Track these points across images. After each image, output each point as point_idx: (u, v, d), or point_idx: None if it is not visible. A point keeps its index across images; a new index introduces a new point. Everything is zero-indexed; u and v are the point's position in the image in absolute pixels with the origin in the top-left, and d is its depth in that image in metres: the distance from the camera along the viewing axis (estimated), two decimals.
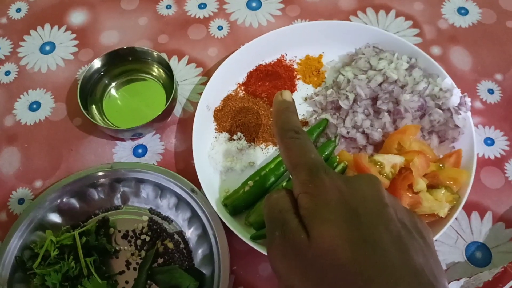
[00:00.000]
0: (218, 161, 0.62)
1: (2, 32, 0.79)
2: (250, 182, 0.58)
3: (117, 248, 0.58)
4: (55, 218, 0.59)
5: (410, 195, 0.53)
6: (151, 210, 0.61)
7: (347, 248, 0.28)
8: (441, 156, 0.60)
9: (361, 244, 0.28)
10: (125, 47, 0.69)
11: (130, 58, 0.70)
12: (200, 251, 0.57)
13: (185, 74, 0.73)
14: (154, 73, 0.71)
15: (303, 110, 0.67)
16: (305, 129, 0.65)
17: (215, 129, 0.66)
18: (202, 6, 0.80)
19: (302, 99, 0.68)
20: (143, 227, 0.60)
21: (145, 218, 0.60)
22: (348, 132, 0.62)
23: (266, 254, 0.52)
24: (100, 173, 0.60)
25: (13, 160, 0.66)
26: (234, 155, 0.63)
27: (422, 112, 0.61)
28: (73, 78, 0.74)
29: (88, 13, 0.81)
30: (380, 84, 0.63)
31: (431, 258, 0.31)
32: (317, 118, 0.65)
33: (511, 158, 0.64)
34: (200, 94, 0.65)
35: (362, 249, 0.28)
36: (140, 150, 0.66)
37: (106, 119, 0.68)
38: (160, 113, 0.62)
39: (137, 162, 0.65)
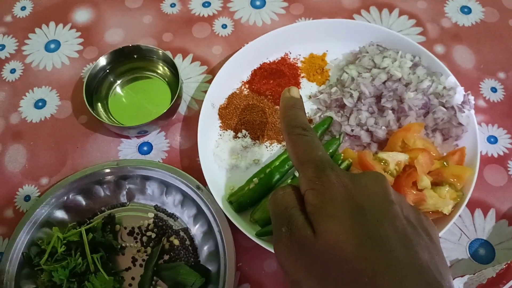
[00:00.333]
0: (223, 158, 0.63)
1: (7, 30, 0.80)
2: (255, 180, 0.59)
3: (123, 244, 0.59)
4: (61, 215, 0.59)
5: (414, 192, 0.53)
6: (156, 207, 0.61)
7: (352, 244, 0.28)
8: (444, 154, 0.60)
9: (367, 240, 0.29)
10: (130, 45, 0.69)
11: (135, 56, 0.70)
12: (205, 247, 0.57)
13: (189, 72, 0.73)
14: (159, 71, 0.71)
15: (307, 108, 0.67)
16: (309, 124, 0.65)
17: (220, 126, 0.66)
18: (206, 4, 0.80)
19: (306, 97, 0.69)
20: (148, 224, 0.60)
21: (151, 215, 0.61)
22: (352, 130, 0.62)
23: (271, 250, 0.53)
24: (106, 170, 0.60)
25: (19, 157, 0.67)
26: (239, 152, 0.63)
27: (426, 110, 0.61)
28: (78, 76, 0.74)
29: (93, 11, 0.81)
30: (384, 82, 0.63)
31: (437, 255, 0.31)
32: (322, 116, 0.65)
33: None
34: (205, 92, 0.66)
35: (368, 245, 0.28)
36: (145, 148, 0.67)
37: (111, 117, 0.68)
38: (165, 111, 0.63)
39: (142, 159, 0.65)
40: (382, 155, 0.56)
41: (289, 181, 0.59)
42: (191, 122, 0.68)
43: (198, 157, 0.60)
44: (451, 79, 0.63)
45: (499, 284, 0.51)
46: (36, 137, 0.68)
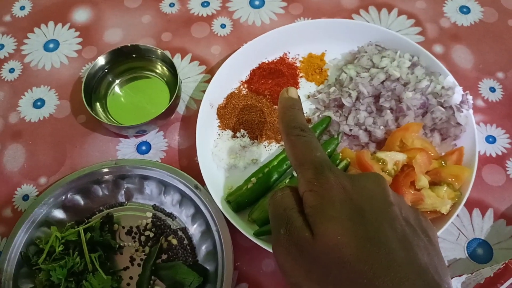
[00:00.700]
0: (222, 158, 0.63)
1: (6, 29, 0.80)
2: (253, 179, 0.59)
3: (121, 244, 0.59)
4: (59, 214, 0.59)
5: (412, 192, 0.53)
6: (155, 207, 0.61)
7: (351, 246, 0.28)
8: (443, 154, 0.60)
9: (366, 242, 0.28)
10: (129, 44, 0.69)
11: (134, 55, 0.70)
12: (203, 247, 0.57)
13: (188, 71, 0.73)
14: (157, 71, 0.71)
15: (306, 108, 0.67)
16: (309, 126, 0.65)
17: (219, 126, 0.66)
18: (205, 4, 0.80)
19: (305, 96, 0.69)
20: (147, 224, 0.60)
21: (149, 214, 0.61)
22: (350, 130, 0.62)
23: (269, 250, 0.53)
24: (104, 170, 0.60)
25: (18, 156, 0.67)
26: (238, 152, 0.63)
27: (424, 110, 0.61)
28: (77, 76, 0.74)
29: (92, 11, 0.81)
30: (382, 82, 0.63)
31: (436, 256, 0.31)
32: (320, 115, 0.65)
33: None
34: (203, 91, 0.66)
35: (367, 247, 0.28)
36: (143, 147, 0.67)
37: (110, 116, 0.68)
38: (163, 110, 0.63)
39: (141, 159, 0.65)
40: (380, 154, 0.56)
41: (287, 180, 0.59)
42: (189, 122, 0.68)
43: (197, 156, 0.60)
44: (450, 79, 0.63)
45: (497, 284, 0.51)
46: (35, 136, 0.69)
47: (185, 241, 0.59)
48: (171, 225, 0.60)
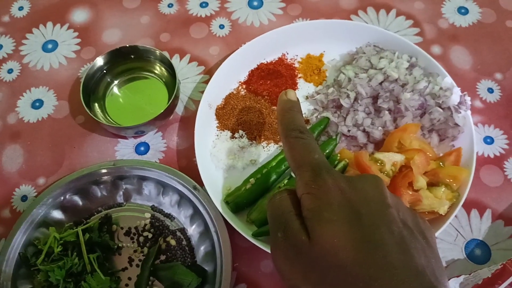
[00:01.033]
0: (220, 158, 0.63)
1: (4, 30, 0.80)
2: (252, 180, 0.59)
3: (120, 245, 0.59)
4: (58, 215, 0.59)
5: (410, 193, 0.53)
6: (153, 207, 0.61)
7: (348, 249, 0.28)
8: (441, 154, 0.61)
9: (363, 245, 0.28)
10: (127, 45, 0.69)
11: (132, 56, 0.70)
12: (202, 248, 0.57)
13: (187, 72, 0.73)
14: (156, 71, 0.71)
15: (304, 109, 0.68)
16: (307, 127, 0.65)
17: (217, 127, 0.66)
18: (203, 4, 0.80)
19: (303, 97, 0.69)
20: (145, 224, 0.60)
21: (148, 215, 0.61)
22: (349, 131, 0.62)
23: (267, 251, 0.53)
24: (103, 171, 0.60)
25: (16, 157, 0.67)
26: (236, 153, 0.63)
27: (423, 111, 0.61)
28: (75, 76, 0.74)
29: (90, 12, 0.81)
30: (380, 83, 0.63)
31: (433, 259, 0.31)
32: (318, 116, 0.65)
33: (511, 156, 0.64)
34: (202, 92, 0.66)
35: (364, 250, 0.28)
36: (142, 148, 0.67)
37: (108, 117, 0.68)
38: (162, 111, 0.63)
39: (139, 159, 0.65)
40: (379, 155, 0.56)
41: (285, 181, 0.59)
42: (188, 123, 0.68)
43: (195, 157, 0.60)
44: (448, 80, 0.63)
45: (495, 285, 0.51)
46: (33, 137, 0.69)
47: (184, 242, 0.59)
48: (170, 226, 0.60)
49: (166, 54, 0.71)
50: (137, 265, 0.58)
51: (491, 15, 0.77)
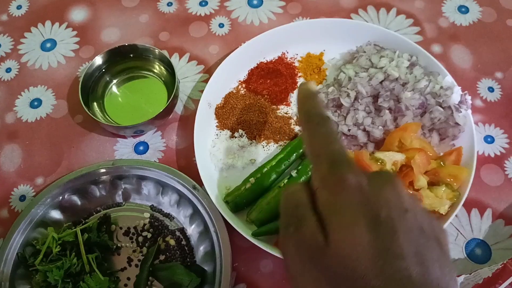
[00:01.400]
0: (220, 158, 0.63)
1: (2, 29, 0.79)
2: (252, 179, 0.59)
3: (118, 245, 0.59)
4: (56, 215, 0.59)
5: (411, 192, 0.53)
6: (152, 207, 0.61)
7: (367, 258, 0.27)
8: (441, 154, 0.60)
9: (382, 254, 0.27)
10: (126, 44, 0.69)
11: (131, 55, 0.70)
12: (201, 247, 0.57)
13: (186, 71, 0.73)
14: (155, 71, 0.71)
15: None
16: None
17: (217, 126, 0.66)
18: (203, 3, 0.80)
19: None
20: (144, 224, 0.60)
21: (147, 215, 0.60)
22: (349, 130, 0.62)
23: (267, 250, 0.53)
24: (102, 170, 0.60)
25: (15, 157, 0.67)
26: (236, 152, 0.63)
27: (423, 110, 0.61)
28: (74, 75, 0.74)
29: (89, 10, 0.80)
30: (381, 82, 0.63)
31: (447, 268, 0.30)
32: None
33: (511, 155, 0.64)
34: (201, 91, 0.65)
35: (383, 260, 0.27)
36: (141, 147, 0.67)
37: (107, 116, 0.68)
38: (161, 110, 0.63)
39: (138, 159, 0.65)
40: (379, 154, 0.56)
41: (285, 181, 0.58)
42: (187, 122, 0.68)
43: (195, 157, 0.60)
44: (448, 79, 0.63)
45: (495, 284, 0.51)
46: (32, 136, 0.68)
47: (183, 242, 0.58)
48: (169, 226, 0.60)
49: (165, 53, 0.71)
50: (136, 265, 0.57)
51: (492, 14, 0.77)
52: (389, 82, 0.62)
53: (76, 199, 0.60)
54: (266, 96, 0.68)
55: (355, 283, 0.27)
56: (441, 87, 0.62)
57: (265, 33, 0.69)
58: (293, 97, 0.68)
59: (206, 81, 0.67)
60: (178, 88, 0.66)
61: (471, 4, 0.78)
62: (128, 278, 0.57)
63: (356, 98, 0.63)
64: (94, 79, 0.69)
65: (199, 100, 0.64)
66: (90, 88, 0.68)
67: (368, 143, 0.62)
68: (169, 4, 0.80)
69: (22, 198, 0.63)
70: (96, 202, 0.61)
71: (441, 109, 0.60)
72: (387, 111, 0.61)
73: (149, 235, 0.59)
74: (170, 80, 0.69)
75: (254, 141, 0.65)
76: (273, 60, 0.71)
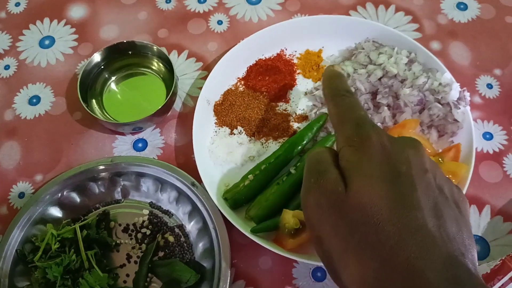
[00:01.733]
0: (218, 155, 0.63)
1: (1, 26, 0.79)
2: (250, 176, 0.59)
3: (117, 241, 0.59)
4: (55, 212, 0.59)
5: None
6: (151, 204, 0.61)
7: (384, 207, 0.28)
8: (440, 150, 0.60)
9: (398, 205, 0.28)
10: (125, 41, 0.69)
11: (130, 52, 0.70)
12: (200, 244, 0.57)
13: (185, 68, 0.73)
14: (154, 68, 0.71)
15: (303, 105, 0.67)
16: (305, 123, 0.65)
17: (215, 123, 0.66)
18: (201, 0, 0.80)
19: (302, 93, 0.68)
20: (143, 221, 0.60)
21: (146, 212, 0.60)
22: None
23: (266, 247, 0.53)
24: (101, 167, 0.60)
25: (13, 154, 0.67)
26: (235, 149, 0.63)
27: (422, 107, 0.61)
28: (72, 72, 0.74)
29: (88, 7, 0.80)
30: (379, 79, 0.63)
31: (464, 227, 0.31)
32: (317, 112, 0.65)
33: (510, 152, 0.64)
34: (200, 88, 0.65)
35: (399, 210, 0.28)
36: (140, 144, 0.67)
37: (106, 113, 0.68)
38: (160, 107, 0.63)
39: (137, 156, 0.65)
40: None
41: (284, 178, 0.58)
42: (186, 119, 0.68)
43: (193, 154, 0.60)
44: (447, 76, 0.63)
45: (494, 280, 0.51)
46: (30, 133, 0.68)
47: (182, 239, 0.59)
48: (168, 223, 0.60)
49: (164, 50, 0.71)
50: (135, 262, 0.58)
51: (490, 10, 0.77)
52: (388, 79, 0.62)
53: (75, 196, 0.60)
54: (265, 93, 0.68)
55: (371, 230, 0.28)
56: (440, 84, 0.62)
57: (264, 30, 0.69)
58: (292, 94, 0.68)
59: (205, 78, 0.67)
60: (177, 85, 0.66)
61: (470, 1, 0.78)
62: (127, 275, 0.57)
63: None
64: (92, 76, 0.69)
65: (198, 97, 0.64)
66: (89, 85, 0.68)
67: None
68: (168, 1, 0.80)
69: (21, 195, 0.63)
70: (95, 199, 0.61)
71: (440, 105, 0.60)
72: (385, 108, 0.61)
73: (148, 232, 0.59)
74: (169, 77, 0.69)
75: (253, 138, 0.65)
76: (272, 57, 0.71)
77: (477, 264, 0.30)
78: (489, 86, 0.69)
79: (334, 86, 0.39)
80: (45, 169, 0.65)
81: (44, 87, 0.72)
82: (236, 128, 0.65)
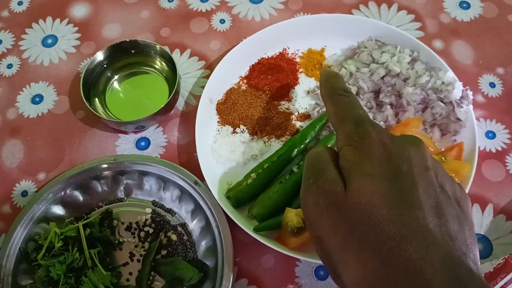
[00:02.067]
0: (221, 153, 0.63)
1: (4, 25, 0.79)
2: (253, 175, 0.59)
3: (120, 240, 0.59)
4: (58, 210, 0.59)
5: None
6: (154, 203, 0.61)
7: (384, 206, 0.28)
8: (443, 149, 0.60)
9: (399, 204, 0.28)
10: (127, 40, 0.69)
11: (132, 51, 0.70)
12: (203, 243, 0.57)
13: (187, 67, 0.73)
14: (156, 66, 0.71)
15: (305, 103, 0.67)
16: (308, 122, 0.65)
17: (218, 122, 0.66)
18: None
19: (305, 92, 0.68)
20: (146, 219, 0.60)
21: (149, 210, 0.61)
22: None
23: (269, 245, 0.53)
24: (104, 166, 0.60)
25: (16, 152, 0.67)
26: (237, 148, 0.63)
27: (424, 105, 0.61)
28: (75, 71, 0.74)
29: (90, 6, 0.80)
30: (382, 77, 0.63)
31: (466, 226, 0.30)
32: (320, 111, 0.65)
33: None
34: (203, 87, 0.65)
35: (400, 209, 0.28)
36: (143, 143, 0.67)
37: (109, 112, 0.68)
38: (162, 106, 0.63)
39: (140, 154, 0.65)
40: None
41: (287, 177, 0.58)
42: (189, 118, 0.68)
43: (196, 152, 0.60)
44: (450, 74, 0.63)
45: (496, 279, 0.51)
46: (33, 132, 0.68)
47: (185, 237, 0.59)
48: (171, 221, 0.60)
49: (166, 49, 0.71)
50: (138, 260, 0.58)
51: (493, 9, 0.77)
52: (391, 78, 0.62)
53: (78, 194, 0.60)
54: (267, 91, 0.68)
55: (370, 229, 0.28)
56: (443, 83, 0.62)
57: (266, 29, 0.69)
58: (295, 92, 0.68)
59: (207, 77, 0.67)
60: (180, 84, 0.66)
61: (472, 0, 0.78)
62: (130, 273, 0.57)
63: (357, 94, 0.63)
64: (95, 75, 0.69)
65: (201, 96, 0.64)
66: (92, 84, 0.68)
67: None
68: (170, 0, 0.80)
69: (24, 193, 0.64)
70: (98, 197, 0.61)
71: (443, 104, 0.60)
72: (388, 107, 0.61)
73: (151, 230, 0.59)
74: (172, 76, 0.69)
75: (255, 136, 0.65)
76: (274, 56, 0.71)
77: (479, 263, 0.30)
78: (492, 84, 0.69)
79: (331, 85, 0.38)
80: (48, 167, 0.65)
81: (47, 86, 0.72)
82: (239, 127, 0.65)
